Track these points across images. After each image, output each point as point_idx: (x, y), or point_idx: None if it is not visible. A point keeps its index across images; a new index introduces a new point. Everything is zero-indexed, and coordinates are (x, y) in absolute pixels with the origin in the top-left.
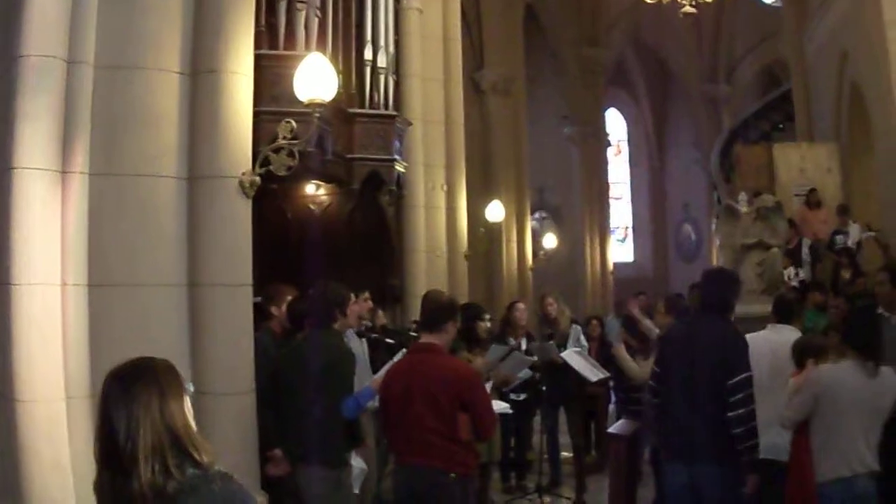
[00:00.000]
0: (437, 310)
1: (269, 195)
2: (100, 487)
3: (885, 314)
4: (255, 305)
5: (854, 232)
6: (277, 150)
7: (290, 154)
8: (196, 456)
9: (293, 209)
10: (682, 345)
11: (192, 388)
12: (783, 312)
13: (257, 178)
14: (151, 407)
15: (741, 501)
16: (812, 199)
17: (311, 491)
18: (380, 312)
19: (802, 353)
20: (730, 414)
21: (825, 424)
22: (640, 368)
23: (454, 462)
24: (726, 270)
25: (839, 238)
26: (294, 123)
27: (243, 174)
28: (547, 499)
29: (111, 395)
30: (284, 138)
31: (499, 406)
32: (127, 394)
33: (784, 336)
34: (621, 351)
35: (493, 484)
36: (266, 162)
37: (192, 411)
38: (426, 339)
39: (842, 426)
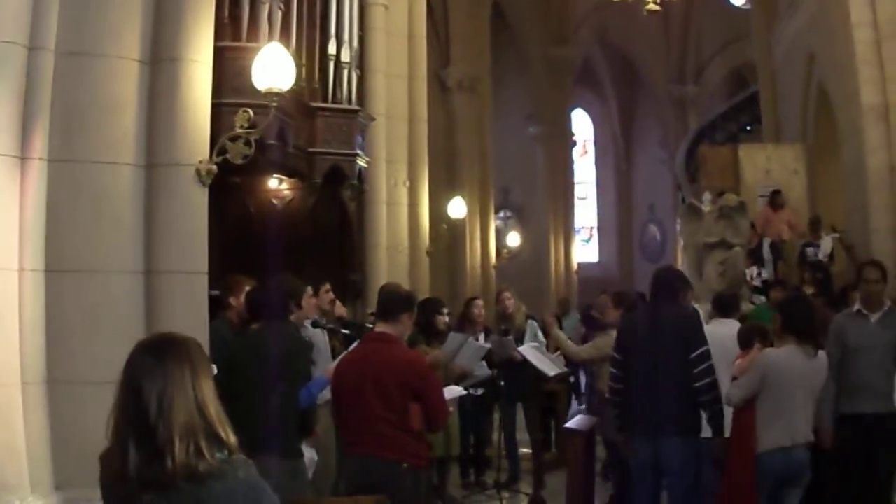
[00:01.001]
0: (393, 300)
1: (232, 189)
2: (114, 462)
3: (863, 311)
4: (214, 298)
5: (826, 245)
6: (235, 139)
7: (247, 143)
8: (224, 438)
9: (255, 203)
10: (644, 329)
11: (215, 369)
12: (724, 307)
13: (214, 167)
14: (185, 384)
15: (696, 470)
16: (776, 201)
17: (268, 481)
18: (338, 303)
19: (748, 338)
20: (696, 384)
21: (770, 400)
22: (578, 349)
23: (406, 453)
24: (670, 266)
25: (810, 251)
26: (252, 113)
27: (200, 162)
28: (505, 495)
29: (142, 367)
30: (242, 127)
31: (452, 392)
32: (160, 367)
33: (727, 328)
34: (558, 332)
35: (451, 479)
36: (223, 151)
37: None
38: (381, 328)
39: (785, 402)
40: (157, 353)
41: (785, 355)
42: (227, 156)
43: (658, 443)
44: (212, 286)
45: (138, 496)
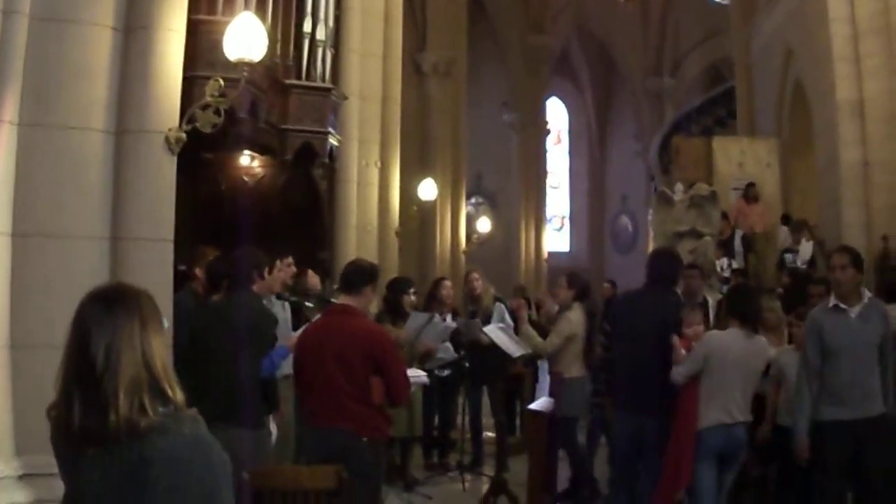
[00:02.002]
0: (356, 272)
1: (204, 165)
2: (60, 414)
3: (841, 306)
4: (183, 273)
5: (805, 251)
6: (205, 108)
7: (217, 112)
8: (169, 394)
9: (227, 180)
10: (627, 312)
11: (167, 323)
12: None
13: (183, 135)
14: (133, 338)
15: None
16: (750, 193)
17: (230, 452)
18: (310, 272)
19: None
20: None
21: (712, 379)
22: (545, 343)
23: (366, 426)
24: (671, 250)
25: (788, 257)
26: (222, 82)
27: (170, 130)
28: (468, 477)
29: (91, 317)
30: (212, 96)
31: (415, 375)
32: (109, 318)
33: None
34: (528, 328)
35: (414, 461)
36: (193, 119)
37: (168, 347)
38: (343, 300)
39: (725, 381)
40: (106, 303)
41: (727, 337)
42: (197, 124)
43: (638, 419)
44: (181, 262)
45: (81, 449)
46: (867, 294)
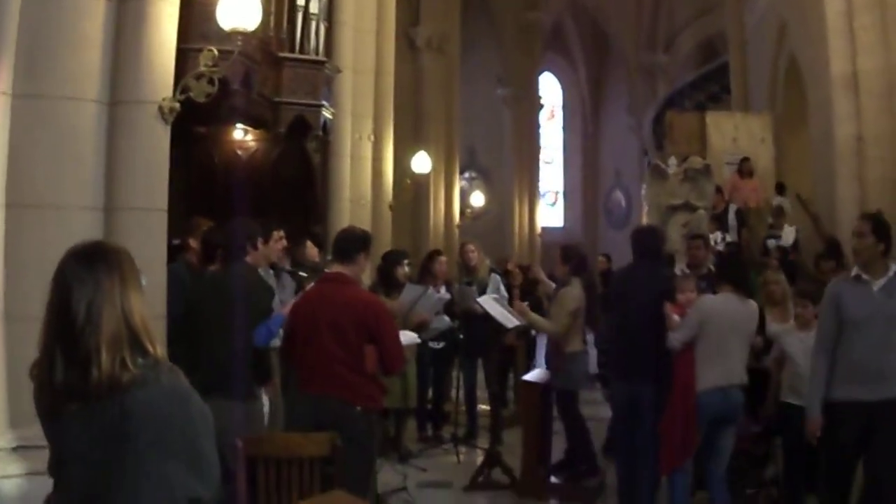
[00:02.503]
0: (349, 240)
1: (198, 140)
2: (42, 372)
3: (863, 277)
4: (176, 247)
5: (788, 235)
6: (198, 78)
7: (211, 82)
8: (149, 348)
9: (220, 154)
10: (619, 286)
11: (145, 281)
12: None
13: (177, 105)
14: (114, 295)
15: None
16: (744, 168)
17: (221, 423)
18: (308, 244)
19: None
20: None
21: (708, 343)
22: (550, 324)
23: (359, 394)
24: (651, 226)
25: (771, 242)
26: (216, 52)
27: (164, 100)
28: (462, 449)
29: (72, 274)
30: (206, 66)
31: (407, 337)
32: (90, 274)
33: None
34: (529, 312)
35: (408, 433)
36: (186, 89)
37: (146, 303)
38: (337, 269)
39: (721, 345)
40: (87, 260)
41: (720, 301)
42: (191, 94)
43: (633, 386)
44: (175, 235)
45: (64, 405)
46: (894, 268)
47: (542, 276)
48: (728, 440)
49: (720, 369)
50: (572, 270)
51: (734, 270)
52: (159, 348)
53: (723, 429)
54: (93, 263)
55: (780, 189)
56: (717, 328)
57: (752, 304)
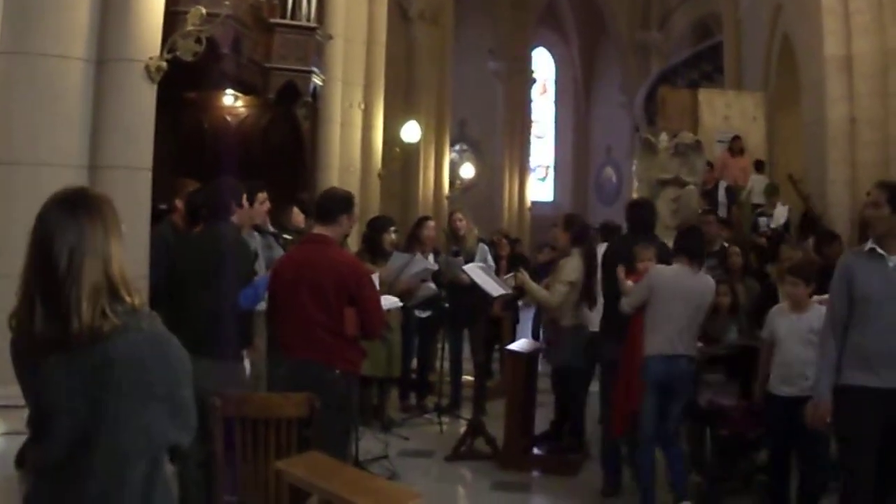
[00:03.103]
0: (331, 201)
1: (187, 105)
2: (21, 321)
3: (878, 251)
4: (163, 211)
5: (779, 214)
6: (186, 37)
7: (198, 41)
8: (126, 298)
9: (210, 120)
10: (618, 255)
11: (125, 229)
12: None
13: (164, 64)
14: (97, 244)
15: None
16: (735, 147)
17: (204, 384)
18: (294, 209)
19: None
20: None
21: (656, 310)
22: (549, 295)
23: (339, 358)
24: (647, 199)
25: (762, 220)
26: (204, 11)
27: (150, 59)
28: (445, 419)
29: (55, 221)
30: (194, 25)
31: (389, 301)
32: (73, 222)
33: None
34: (528, 281)
35: (391, 402)
36: (173, 48)
37: (126, 251)
38: (319, 230)
39: (668, 313)
40: (71, 208)
41: (671, 272)
42: (178, 53)
43: (610, 345)
44: (162, 201)
45: (43, 355)
46: None
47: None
48: (675, 407)
49: (663, 337)
50: (573, 240)
51: (690, 242)
52: (137, 297)
53: (669, 396)
54: (76, 210)
55: (759, 167)
56: (664, 297)
57: (706, 279)
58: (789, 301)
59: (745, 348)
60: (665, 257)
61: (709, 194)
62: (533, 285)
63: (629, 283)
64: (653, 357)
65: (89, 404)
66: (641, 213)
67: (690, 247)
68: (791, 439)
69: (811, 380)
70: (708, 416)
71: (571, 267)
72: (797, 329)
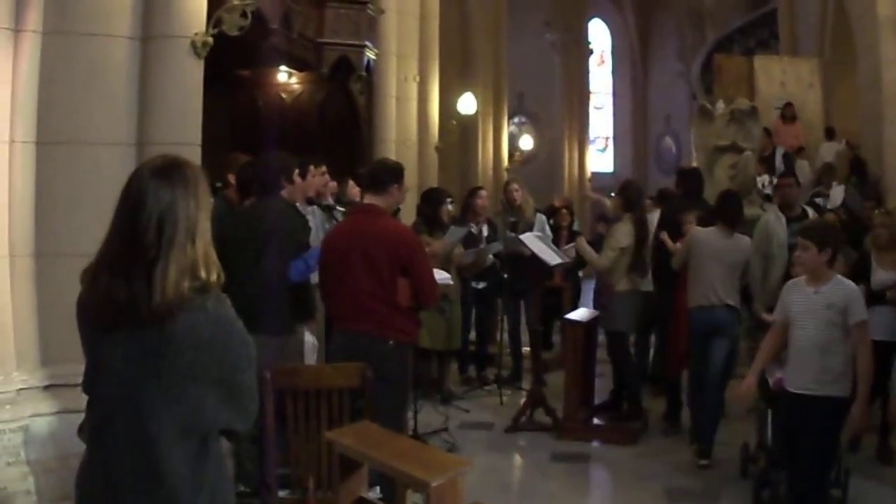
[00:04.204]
0: (382, 170)
1: (241, 83)
2: (97, 279)
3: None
4: (217, 188)
5: (836, 195)
6: (231, 11)
7: (244, 15)
8: (203, 275)
9: (264, 98)
10: (675, 214)
11: (213, 202)
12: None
13: (209, 39)
14: (189, 215)
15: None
16: (787, 113)
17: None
18: (350, 182)
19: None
20: None
21: (694, 268)
22: (599, 258)
23: (392, 328)
24: (695, 168)
25: (819, 201)
26: None
27: (196, 34)
28: (506, 391)
29: (148, 186)
30: None
31: (440, 276)
32: (167, 190)
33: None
34: (582, 242)
35: (452, 375)
36: (219, 23)
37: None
38: (369, 200)
39: (704, 270)
40: (165, 176)
41: (706, 234)
42: (223, 28)
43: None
44: (217, 179)
45: (109, 318)
46: None
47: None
48: (718, 352)
49: (702, 291)
50: (623, 205)
51: (725, 209)
52: (213, 275)
53: (712, 341)
54: (172, 180)
55: (830, 134)
56: (700, 256)
57: (741, 240)
58: (803, 271)
59: None
60: (709, 221)
61: (766, 160)
62: (587, 248)
63: (675, 245)
64: (694, 308)
65: (140, 374)
66: (691, 180)
67: (725, 212)
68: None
69: (832, 373)
70: (772, 396)
71: (622, 232)
72: (815, 306)
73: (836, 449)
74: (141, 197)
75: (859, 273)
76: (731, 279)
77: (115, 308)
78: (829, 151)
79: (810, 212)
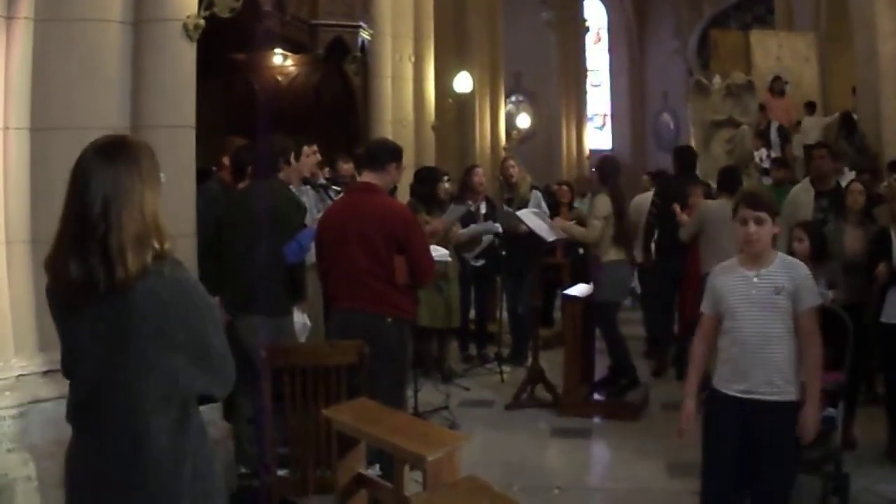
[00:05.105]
0: (381, 148)
1: (237, 67)
2: (57, 265)
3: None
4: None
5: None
6: None
7: None
8: (156, 245)
9: (260, 81)
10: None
11: (164, 177)
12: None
13: (202, 21)
14: (134, 196)
15: None
16: (775, 87)
17: (251, 339)
18: (340, 162)
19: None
20: None
21: (707, 237)
22: (584, 231)
23: (390, 306)
24: (688, 146)
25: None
26: None
27: (188, 17)
28: (507, 368)
29: (92, 166)
30: None
31: (437, 252)
32: (109, 168)
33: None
34: (565, 222)
35: (452, 353)
36: (210, 5)
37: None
38: (366, 178)
39: (716, 238)
40: (108, 155)
41: (717, 205)
42: (215, 9)
43: (669, 265)
44: (213, 163)
45: (76, 300)
46: None
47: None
48: None
49: (716, 256)
50: (600, 178)
51: (728, 181)
52: (165, 244)
53: None
54: (113, 158)
55: (812, 108)
56: (713, 226)
57: None
58: (739, 248)
59: (824, 312)
60: (710, 194)
61: (762, 134)
62: (570, 225)
63: (685, 216)
64: (708, 272)
65: (111, 349)
66: (686, 157)
67: (729, 184)
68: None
69: (783, 372)
70: None
71: (603, 203)
72: (757, 292)
73: (797, 461)
74: (85, 177)
75: (880, 250)
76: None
77: (75, 286)
78: (813, 126)
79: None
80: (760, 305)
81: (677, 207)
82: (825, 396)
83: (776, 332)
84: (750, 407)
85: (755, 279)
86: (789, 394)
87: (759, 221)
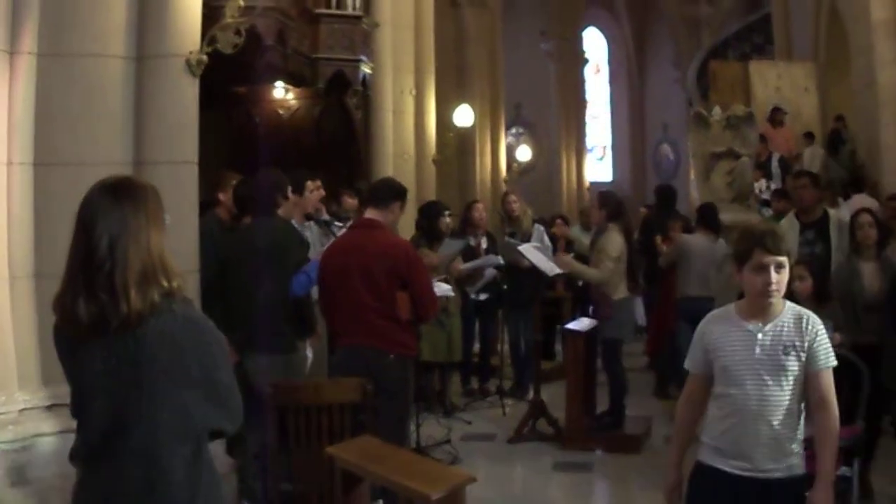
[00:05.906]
0: (386, 187)
1: (238, 100)
2: (65, 305)
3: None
4: (205, 204)
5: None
6: (225, 29)
7: (238, 32)
8: (164, 283)
9: (261, 114)
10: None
11: (168, 219)
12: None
13: (204, 57)
14: (140, 235)
15: None
16: (776, 118)
17: (259, 378)
18: (345, 197)
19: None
20: None
21: (685, 266)
22: (593, 272)
23: (393, 342)
24: (668, 184)
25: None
26: (241, 2)
27: (191, 53)
28: (509, 401)
29: (98, 207)
30: (232, 17)
31: (441, 289)
32: (115, 209)
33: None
34: (573, 262)
35: (454, 387)
36: (213, 41)
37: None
38: (370, 215)
39: (693, 268)
40: (114, 195)
41: (694, 239)
42: (217, 46)
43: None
44: (211, 193)
45: (84, 339)
46: None
47: (569, 232)
48: None
49: (690, 285)
50: (609, 216)
51: (706, 217)
52: (175, 281)
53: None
54: (119, 197)
55: (810, 137)
56: (689, 257)
57: (721, 242)
58: (752, 298)
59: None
60: (689, 227)
61: (762, 166)
62: (578, 265)
63: (664, 246)
64: (683, 298)
65: (123, 387)
66: (666, 194)
67: (707, 220)
68: None
69: (789, 443)
70: None
71: (615, 241)
72: (761, 350)
73: None
74: (92, 217)
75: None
76: (713, 276)
77: (84, 325)
78: (814, 156)
79: (833, 213)
80: (767, 368)
81: (658, 239)
82: (839, 455)
83: (783, 400)
84: (749, 485)
85: (760, 335)
86: (797, 468)
87: (780, 267)
